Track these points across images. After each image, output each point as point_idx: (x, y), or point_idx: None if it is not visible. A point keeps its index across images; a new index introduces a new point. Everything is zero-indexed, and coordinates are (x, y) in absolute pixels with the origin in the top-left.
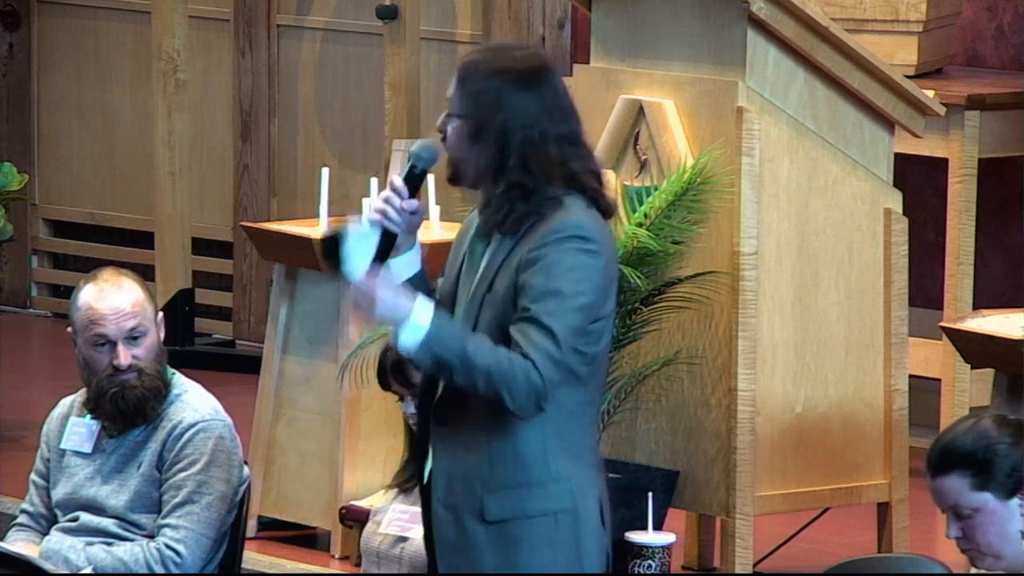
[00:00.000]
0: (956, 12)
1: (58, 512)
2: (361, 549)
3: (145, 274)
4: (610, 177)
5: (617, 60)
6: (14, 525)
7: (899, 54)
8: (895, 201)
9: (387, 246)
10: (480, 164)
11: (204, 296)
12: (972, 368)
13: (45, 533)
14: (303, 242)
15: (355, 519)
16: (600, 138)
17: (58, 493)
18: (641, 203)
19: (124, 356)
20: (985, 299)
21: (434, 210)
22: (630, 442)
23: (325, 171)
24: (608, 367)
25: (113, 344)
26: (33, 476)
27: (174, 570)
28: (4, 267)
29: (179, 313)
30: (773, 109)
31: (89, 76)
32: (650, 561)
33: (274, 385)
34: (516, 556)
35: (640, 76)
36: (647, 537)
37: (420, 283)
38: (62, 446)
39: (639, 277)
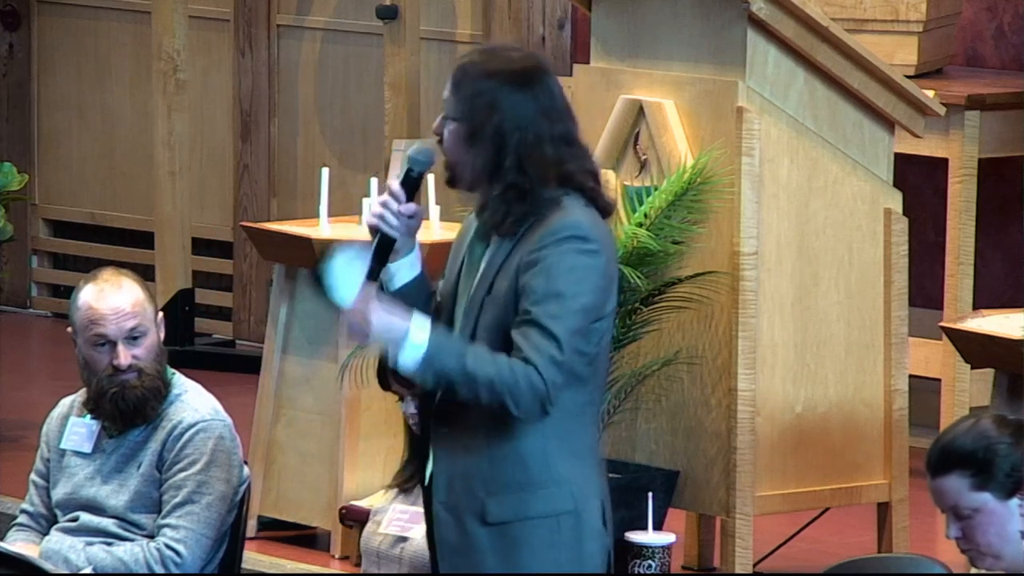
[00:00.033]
0: (956, 12)
1: (58, 512)
2: (361, 549)
3: (145, 274)
4: (610, 177)
5: (617, 60)
6: (14, 525)
7: (899, 54)
8: (895, 201)
9: (386, 250)
10: (476, 167)
11: (204, 296)
12: (972, 368)
13: (45, 533)
14: (303, 242)
15: (355, 519)
16: (600, 138)
17: (58, 493)
18: (641, 203)
19: (124, 356)
20: (985, 299)
21: (434, 210)
22: (630, 442)
23: (325, 171)
24: (609, 367)
25: (113, 344)
26: (33, 476)
27: (174, 570)
28: (4, 267)
29: (179, 313)
30: (773, 109)
31: (89, 76)
32: (650, 561)
33: (274, 385)
34: (517, 558)
35: (640, 76)
36: (647, 537)
37: (420, 285)
38: (62, 446)
39: (639, 277)
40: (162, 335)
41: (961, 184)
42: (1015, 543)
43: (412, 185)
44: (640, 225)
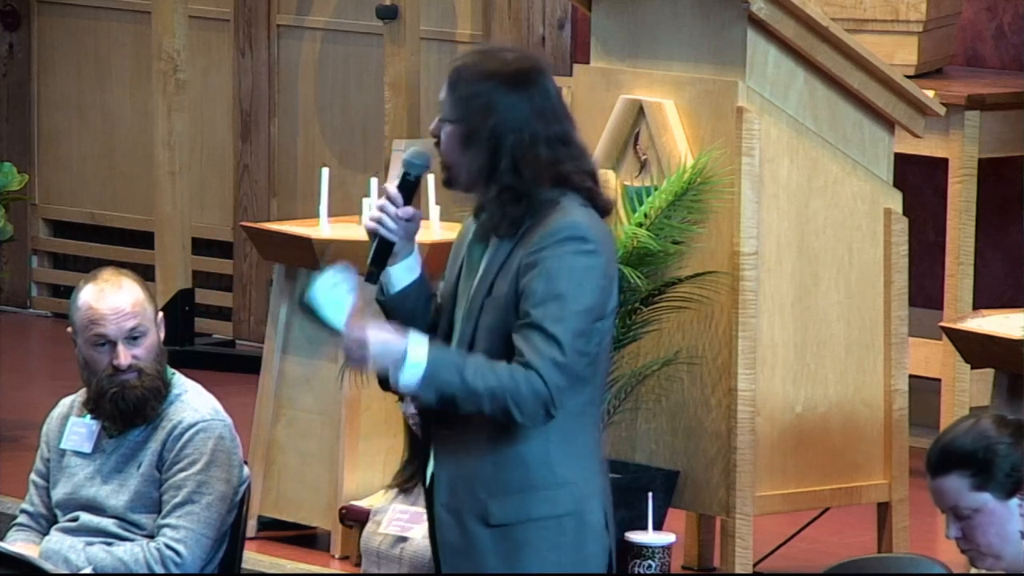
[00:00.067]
0: (956, 12)
1: (58, 512)
2: (361, 549)
3: (145, 274)
4: (610, 177)
5: (617, 60)
6: (14, 525)
7: (899, 54)
8: (895, 201)
9: (385, 254)
10: (472, 168)
11: (204, 296)
12: (972, 368)
13: (45, 533)
14: (303, 242)
15: (355, 519)
16: (600, 138)
17: (58, 493)
18: (641, 203)
19: (124, 356)
20: (985, 299)
21: (434, 210)
22: (630, 442)
23: (325, 171)
24: (609, 366)
25: (113, 344)
26: (33, 476)
27: (174, 570)
28: (4, 267)
29: (179, 313)
30: (773, 109)
31: (89, 76)
32: (650, 561)
33: (274, 385)
34: (519, 559)
35: (640, 76)
36: (647, 537)
37: (420, 288)
38: (62, 446)
39: (639, 277)
40: (162, 335)
41: (961, 184)
42: (1015, 543)
43: (409, 188)
44: (640, 225)
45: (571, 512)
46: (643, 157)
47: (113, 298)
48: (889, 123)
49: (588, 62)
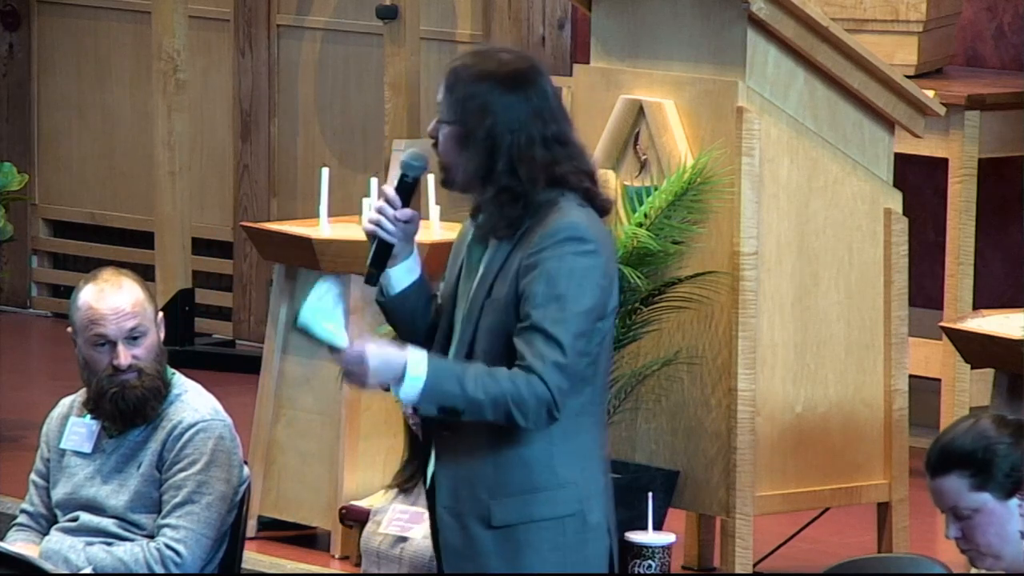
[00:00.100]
0: (956, 12)
1: (58, 512)
2: (361, 549)
3: (145, 274)
4: (610, 177)
5: (617, 60)
6: (14, 525)
7: (899, 54)
8: (895, 201)
9: (384, 256)
10: (469, 169)
11: (204, 296)
12: (972, 368)
13: (45, 533)
14: (303, 242)
15: (355, 519)
16: (600, 138)
17: (58, 493)
18: (641, 203)
19: (124, 356)
20: (985, 299)
21: (434, 211)
22: (630, 442)
23: (325, 171)
24: (611, 366)
25: (113, 344)
26: (33, 476)
27: (174, 570)
28: (4, 267)
29: (179, 313)
30: (773, 109)
31: (89, 76)
32: (650, 561)
33: (274, 385)
34: (521, 560)
35: (640, 76)
36: (647, 537)
37: (419, 289)
38: (62, 446)
39: (639, 277)
40: (162, 335)
41: (961, 184)
42: (1015, 543)
43: (407, 190)
44: (640, 225)
45: (573, 513)
46: (643, 157)
47: (113, 298)
48: (889, 123)
49: (588, 62)
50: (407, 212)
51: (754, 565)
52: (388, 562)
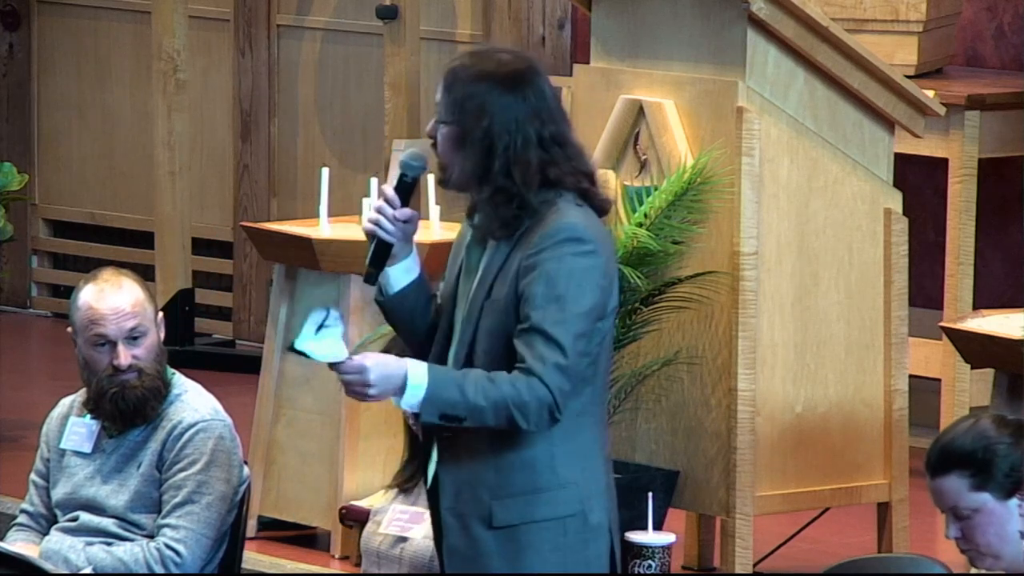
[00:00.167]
0: (956, 12)
1: (58, 512)
2: (361, 549)
3: (145, 274)
4: (610, 177)
5: (617, 60)
6: (14, 525)
7: (899, 54)
8: (895, 201)
9: (383, 255)
10: (466, 169)
11: (204, 296)
12: (972, 368)
13: (45, 533)
14: (303, 242)
15: (355, 519)
16: (600, 138)
17: (58, 493)
18: (641, 203)
19: (124, 356)
20: (985, 299)
21: (433, 211)
22: (630, 442)
23: (325, 171)
24: (611, 365)
25: (113, 344)
26: (33, 476)
27: (174, 570)
28: (4, 267)
29: (179, 313)
30: (773, 109)
31: (89, 76)
32: (650, 561)
33: (274, 385)
34: (523, 561)
35: (640, 76)
36: (647, 537)
37: (419, 288)
38: (62, 446)
39: (639, 277)
40: (162, 335)
41: (961, 184)
42: (1014, 543)
43: (406, 190)
44: (640, 225)
45: (574, 513)
46: (643, 157)
47: (113, 298)
48: (889, 123)
49: (588, 62)
50: (406, 212)
51: (754, 565)
52: (388, 562)
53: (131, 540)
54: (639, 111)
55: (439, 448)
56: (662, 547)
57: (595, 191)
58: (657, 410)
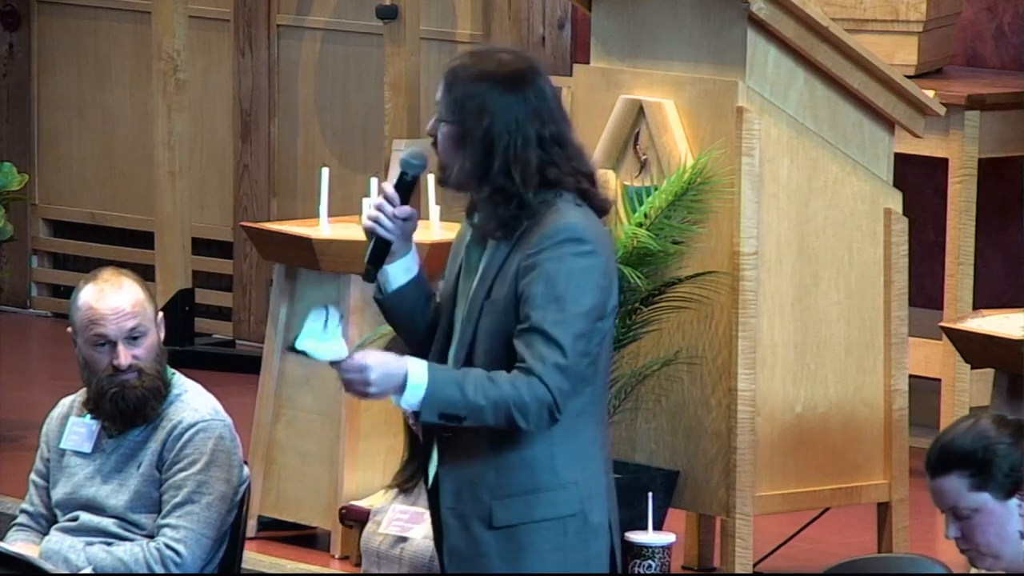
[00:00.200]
0: (956, 12)
1: (58, 512)
2: (361, 549)
3: (145, 274)
4: (610, 177)
5: (617, 60)
6: (14, 525)
7: (899, 54)
8: (895, 201)
9: (382, 253)
10: (465, 168)
11: (204, 296)
12: (972, 368)
13: (45, 533)
14: (303, 242)
15: (355, 519)
16: (600, 138)
17: (58, 493)
18: (641, 203)
19: (124, 356)
20: (985, 299)
21: (433, 210)
22: (630, 442)
23: (325, 171)
24: (611, 365)
25: (113, 344)
26: (33, 476)
27: (174, 570)
28: (4, 267)
29: (179, 313)
30: (773, 109)
31: (89, 76)
32: (650, 561)
33: (274, 385)
34: (523, 561)
35: (640, 76)
36: (647, 537)
37: (417, 287)
38: (62, 446)
39: (639, 277)
40: (162, 335)
41: (961, 184)
42: (1014, 543)
43: (406, 188)
44: (640, 225)
45: (574, 513)
46: (643, 157)
47: (113, 298)
48: (889, 123)
49: (588, 62)
50: (405, 210)
51: (754, 565)
52: (388, 562)
53: (131, 540)
54: (639, 111)
55: (439, 448)
56: (662, 547)
57: (595, 191)
58: (657, 410)
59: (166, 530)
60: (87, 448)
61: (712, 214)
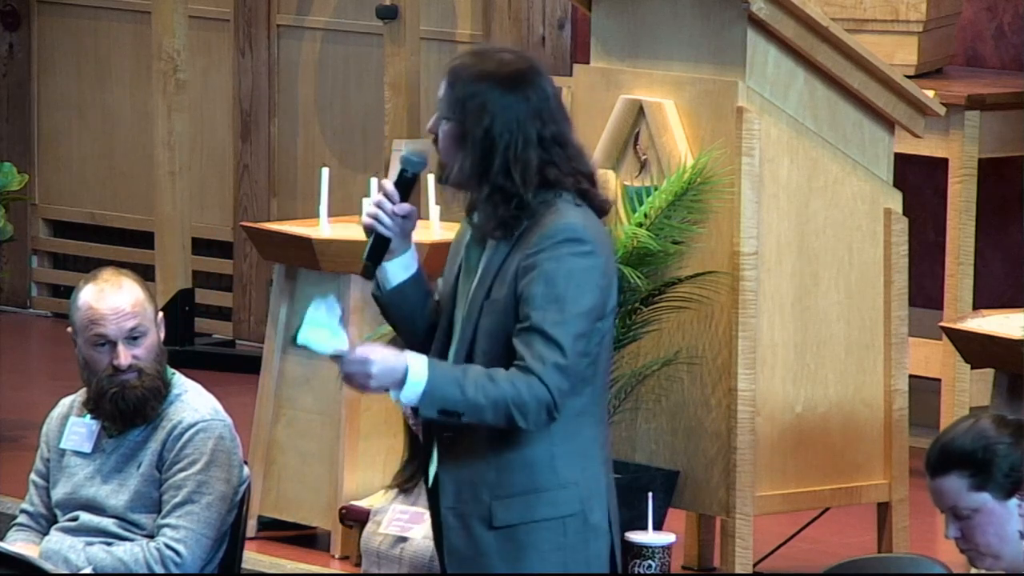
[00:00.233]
0: (956, 12)
1: (58, 512)
2: (361, 549)
3: (145, 274)
4: (610, 177)
5: (617, 60)
6: (14, 525)
7: (899, 54)
8: (895, 201)
9: (381, 250)
10: (465, 167)
11: (204, 296)
12: (972, 368)
13: (45, 533)
14: (303, 242)
15: (355, 519)
16: (600, 138)
17: (58, 493)
18: (641, 203)
19: (124, 356)
20: (985, 299)
21: (433, 210)
22: (630, 442)
23: (325, 171)
24: (611, 365)
25: (113, 344)
26: (33, 476)
27: (174, 570)
28: (4, 267)
29: (179, 313)
30: (773, 109)
31: (89, 76)
32: (650, 561)
33: (274, 385)
34: (524, 561)
35: (640, 76)
36: (647, 537)
37: (416, 285)
38: (62, 446)
39: (639, 277)
40: (162, 335)
41: (961, 184)
42: (1014, 543)
43: (406, 185)
44: (640, 225)
45: (574, 513)
46: (643, 157)
47: (113, 298)
48: (889, 123)
49: (588, 62)
50: (405, 207)
51: (754, 565)
52: (388, 562)
53: (131, 540)
54: (639, 111)
55: (439, 448)
56: (662, 547)
57: (595, 192)
58: (657, 410)
59: (166, 530)
60: (87, 448)
61: (712, 214)
